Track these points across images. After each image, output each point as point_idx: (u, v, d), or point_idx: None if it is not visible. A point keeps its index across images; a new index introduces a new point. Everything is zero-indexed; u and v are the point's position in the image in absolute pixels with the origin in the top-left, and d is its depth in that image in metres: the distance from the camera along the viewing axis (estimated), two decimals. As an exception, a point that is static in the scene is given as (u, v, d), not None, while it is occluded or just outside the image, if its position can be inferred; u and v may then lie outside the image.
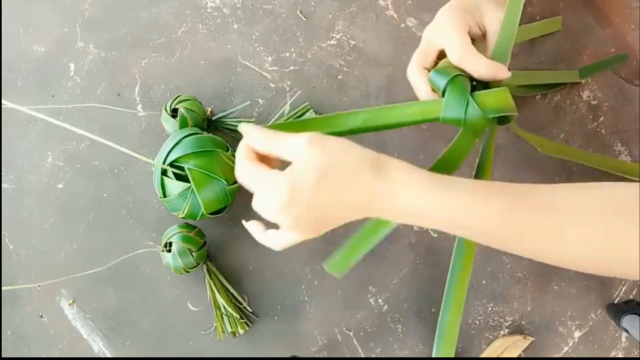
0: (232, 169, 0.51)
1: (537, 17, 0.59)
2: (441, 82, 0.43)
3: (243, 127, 0.39)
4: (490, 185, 0.36)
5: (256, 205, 0.37)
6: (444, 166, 0.43)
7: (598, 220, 0.33)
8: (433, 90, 0.44)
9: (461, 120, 0.42)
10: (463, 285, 0.48)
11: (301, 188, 0.34)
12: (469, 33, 0.44)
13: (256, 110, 0.58)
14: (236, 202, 0.55)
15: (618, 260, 0.33)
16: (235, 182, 0.51)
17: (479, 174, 0.47)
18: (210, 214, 0.51)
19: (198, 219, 0.51)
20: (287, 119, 0.56)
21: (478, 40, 0.46)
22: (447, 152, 0.43)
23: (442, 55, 0.45)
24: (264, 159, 0.38)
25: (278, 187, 0.34)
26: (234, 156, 0.53)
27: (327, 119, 0.43)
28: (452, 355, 0.49)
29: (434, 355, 0.50)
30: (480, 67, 0.42)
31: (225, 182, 0.50)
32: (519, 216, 0.34)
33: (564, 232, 0.33)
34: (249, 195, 0.56)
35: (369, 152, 0.36)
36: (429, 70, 0.45)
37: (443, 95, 0.43)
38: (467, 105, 0.42)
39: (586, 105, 0.57)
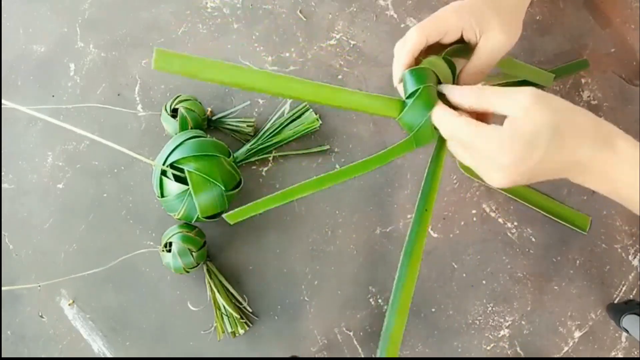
0: (232, 174, 0.51)
1: (537, 17, 0.59)
2: (410, 86, 0.41)
3: (448, 88, 0.38)
4: None
5: (468, 159, 0.37)
6: (375, 161, 0.45)
7: None
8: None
9: (412, 130, 0.42)
10: (409, 291, 0.48)
11: (534, 147, 0.33)
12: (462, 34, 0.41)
13: (256, 110, 0.58)
14: (236, 203, 0.55)
15: None
16: (234, 188, 0.51)
17: (426, 189, 0.47)
18: (205, 218, 0.51)
19: (193, 221, 0.51)
20: (287, 119, 0.56)
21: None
22: (385, 152, 0.45)
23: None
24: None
25: (509, 145, 0.33)
26: (234, 162, 0.53)
27: (294, 82, 0.43)
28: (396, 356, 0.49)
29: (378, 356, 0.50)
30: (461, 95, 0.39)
31: (223, 187, 0.50)
32: None
33: None
34: (248, 197, 0.56)
35: (593, 116, 0.35)
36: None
37: (407, 95, 0.42)
38: (425, 121, 0.41)
39: (586, 105, 0.57)
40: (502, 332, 0.53)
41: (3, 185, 0.58)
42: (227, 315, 0.52)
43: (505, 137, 0.34)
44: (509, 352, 0.53)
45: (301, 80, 0.44)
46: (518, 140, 0.33)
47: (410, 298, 0.47)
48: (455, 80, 0.42)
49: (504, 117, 0.35)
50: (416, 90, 0.41)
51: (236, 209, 0.48)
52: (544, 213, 0.54)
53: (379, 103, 0.43)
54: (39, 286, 0.55)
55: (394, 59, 0.42)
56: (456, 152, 0.39)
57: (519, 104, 0.34)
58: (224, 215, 0.48)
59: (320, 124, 0.57)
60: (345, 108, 0.44)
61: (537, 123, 0.33)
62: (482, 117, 0.38)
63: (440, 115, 0.38)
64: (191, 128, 0.54)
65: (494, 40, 0.40)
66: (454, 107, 0.39)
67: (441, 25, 0.40)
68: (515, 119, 0.34)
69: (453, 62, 0.44)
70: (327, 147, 0.56)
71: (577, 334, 0.52)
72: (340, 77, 0.58)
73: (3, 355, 0.55)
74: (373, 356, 0.53)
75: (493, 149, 0.34)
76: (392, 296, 0.48)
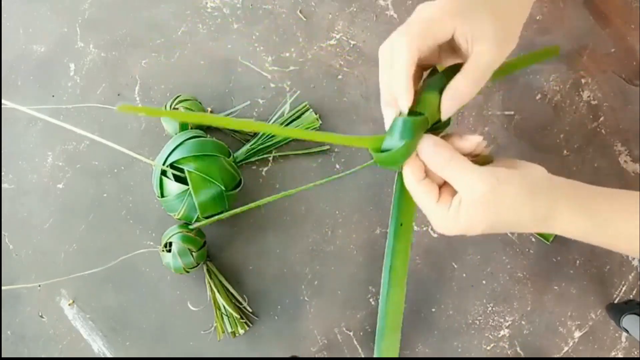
0: (232, 174, 0.51)
1: (537, 17, 0.59)
2: (396, 133, 0.37)
3: (424, 142, 0.38)
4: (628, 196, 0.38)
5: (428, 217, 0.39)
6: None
7: None
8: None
9: (383, 165, 0.41)
10: (397, 318, 0.49)
11: (470, 229, 0.36)
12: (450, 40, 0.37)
13: (256, 110, 0.58)
14: (236, 203, 0.55)
15: None
16: (234, 188, 0.51)
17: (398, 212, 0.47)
18: (205, 217, 0.51)
19: (193, 221, 0.51)
20: (287, 119, 0.56)
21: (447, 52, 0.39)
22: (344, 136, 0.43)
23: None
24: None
25: (449, 221, 0.37)
26: (234, 162, 0.53)
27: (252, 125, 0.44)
28: None
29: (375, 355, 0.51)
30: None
31: (223, 187, 0.50)
32: None
33: None
34: (248, 197, 0.56)
35: (542, 208, 0.36)
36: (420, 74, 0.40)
37: (389, 131, 0.39)
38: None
39: (586, 105, 0.57)
40: (502, 332, 0.53)
41: (3, 185, 0.58)
42: (227, 315, 0.52)
43: (449, 216, 0.36)
44: (509, 352, 0.52)
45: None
46: (456, 222, 0.36)
47: (399, 323, 0.49)
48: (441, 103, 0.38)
49: None
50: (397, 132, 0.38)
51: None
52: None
53: (354, 140, 0.43)
54: (39, 286, 0.55)
55: (383, 76, 0.38)
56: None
57: (472, 192, 0.35)
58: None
59: (320, 124, 0.57)
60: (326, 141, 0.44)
61: (476, 217, 0.36)
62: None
63: (407, 175, 0.39)
64: (191, 128, 0.54)
65: (487, 56, 0.36)
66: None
67: (435, 31, 0.36)
68: (463, 203, 0.36)
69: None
70: (327, 147, 0.56)
71: (577, 334, 0.52)
72: (340, 77, 0.58)
73: (3, 355, 0.55)
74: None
75: (438, 221, 0.37)
76: (378, 322, 0.49)
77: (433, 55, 0.39)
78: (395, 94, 0.37)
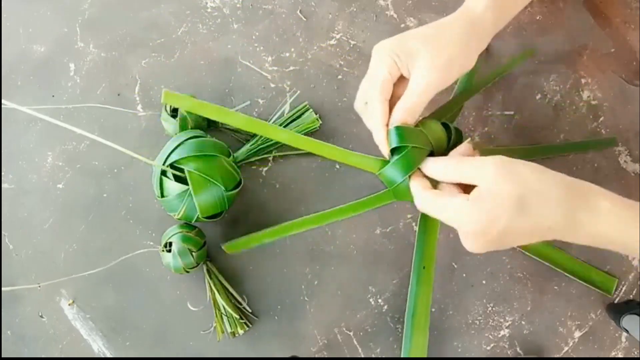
0: (232, 174, 0.51)
1: (537, 17, 0.59)
2: (393, 142, 0.42)
3: (426, 163, 0.39)
4: None
5: (448, 223, 0.37)
6: (355, 208, 0.51)
7: None
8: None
9: (391, 186, 0.44)
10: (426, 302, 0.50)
11: (497, 218, 0.33)
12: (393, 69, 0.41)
13: (256, 110, 0.58)
14: (236, 203, 0.55)
15: None
16: (234, 188, 0.51)
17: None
18: (206, 217, 0.51)
19: (193, 221, 0.51)
20: (287, 119, 0.56)
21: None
22: (364, 201, 0.51)
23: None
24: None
25: (470, 215, 0.34)
26: (234, 162, 0.53)
27: (257, 124, 0.49)
28: None
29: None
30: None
31: (223, 187, 0.50)
32: None
33: None
34: (248, 197, 0.56)
35: (564, 177, 0.35)
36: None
37: (391, 149, 0.43)
38: (404, 181, 0.43)
39: (586, 105, 0.57)
40: (502, 332, 0.53)
41: (3, 185, 0.58)
42: (226, 316, 0.52)
43: (469, 208, 0.34)
44: (509, 352, 0.52)
45: (276, 128, 0.50)
46: (480, 211, 0.34)
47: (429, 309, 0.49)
48: (391, 118, 0.42)
49: None
50: (398, 148, 0.42)
51: (235, 241, 0.53)
52: (568, 274, 0.52)
53: (359, 160, 0.47)
54: (39, 286, 0.55)
55: (369, 116, 0.43)
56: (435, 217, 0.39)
57: (484, 175, 0.34)
58: (222, 246, 0.53)
59: (320, 124, 0.57)
60: (328, 158, 0.49)
61: (500, 194, 0.33)
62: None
63: (412, 188, 0.40)
64: (191, 128, 0.54)
65: (422, 79, 0.40)
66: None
67: (390, 74, 0.41)
68: (480, 190, 0.34)
69: (452, 127, 0.45)
70: (327, 147, 0.56)
71: (577, 334, 0.52)
72: (340, 77, 0.58)
73: (3, 355, 0.55)
74: (373, 356, 0.53)
75: (459, 220, 0.35)
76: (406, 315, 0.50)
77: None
78: (377, 142, 0.42)
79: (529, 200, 0.33)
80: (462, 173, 0.36)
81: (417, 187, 0.39)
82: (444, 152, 0.43)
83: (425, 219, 0.49)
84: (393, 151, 0.43)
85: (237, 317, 0.52)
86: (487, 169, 0.34)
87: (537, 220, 0.33)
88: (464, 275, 0.54)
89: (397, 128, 0.41)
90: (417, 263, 0.49)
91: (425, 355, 0.50)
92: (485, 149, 0.50)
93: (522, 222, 0.33)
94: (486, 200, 0.34)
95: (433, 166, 0.39)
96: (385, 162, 0.44)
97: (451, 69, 0.41)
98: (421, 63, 0.40)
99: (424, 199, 0.38)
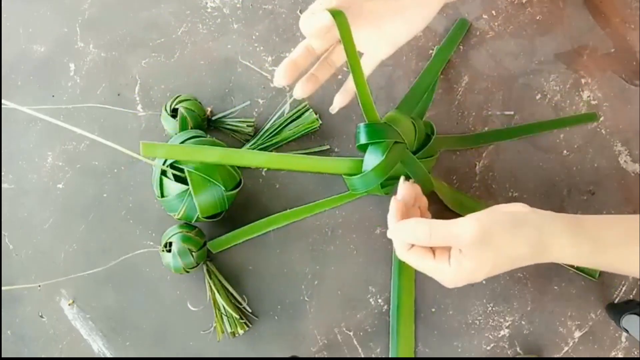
0: (232, 175, 0.51)
1: (537, 17, 0.59)
2: (362, 139, 0.46)
3: (405, 226, 0.41)
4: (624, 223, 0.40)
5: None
6: (318, 207, 0.54)
7: None
8: None
9: (355, 191, 0.49)
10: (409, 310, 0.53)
11: (474, 278, 0.39)
12: None
13: (256, 110, 0.58)
14: (236, 203, 0.55)
15: None
16: (233, 188, 0.51)
17: None
18: (206, 218, 0.51)
19: (193, 221, 0.51)
20: (287, 119, 0.56)
21: None
22: (326, 201, 0.54)
23: None
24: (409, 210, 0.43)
25: (452, 277, 0.39)
26: None
27: (232, 155, 0.48)
28: None
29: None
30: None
31: (223, 187, 0.50)
32: None
33: None
34: (248, 197, 0.56)
35: (533, 236, 0.38)
36: None
37: (358, 146, 0.47)
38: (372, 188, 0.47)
39: (586, 105, 0.57)
40: (502, 332, 0.53)
41: (3, 185, 0.58)
42: (226, 316, 0.52)
43: (451, 273, 0.39)
44: (509, 352, 0.52)
45: (253, 153, 0.50)
46: (460, 274, 0.39)
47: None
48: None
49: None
50: (368, 144, 0.46)
51: (219, 239, 0.54)
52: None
53: (328, 164, 0.49)
54: (39, 286, 0.55)
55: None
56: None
57: (463, 240, 0.38)
58: (207, 245, 0.53)
59: (320, 124, 0.57)
60: (298, 171, 0.53)
61: (477, 260, 0.38)
62: None
63: (396, 246, 0.42)
64: (191, 128, 0.54)
65: (374, 49, 0.46)
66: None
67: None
68: (460, 254, 0.38)
69: (421, 122, 0.49)
70: (327, 147, 0.56)
71: (577, 334, 0.52)
72: (340, 77, 0.58)
73: (3, 355, 0.55)
74: (373, 356, 0.53)
75: (444, 276, 0.40)
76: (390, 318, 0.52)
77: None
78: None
79: (501, 263, 0.39)
80: (443, 238, 0.39)
81: (403, 250, 0.41)
82: (413, 146, 0.47)
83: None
84: (363, 147, 0.47)
85: (237, 317, 0.52)
86: (465, 236, 0.38)
87: (507, 270, 0.39)
88: (464, 275, 0.54)
89: (366, 125, 0.46)
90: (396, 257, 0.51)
91: (413, 348, 0.51)
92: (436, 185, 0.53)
93: (495, 273, 0.39)
94: (465, 266, 0.38)
95: (414, 231, 0.40)
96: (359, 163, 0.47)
97: (402, 33, 0.45)
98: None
99: (408, 259, 0.41)
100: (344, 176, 0.49)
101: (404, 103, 0.55)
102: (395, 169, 0.47)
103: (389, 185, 0.49)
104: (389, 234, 0.41)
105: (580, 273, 0.53)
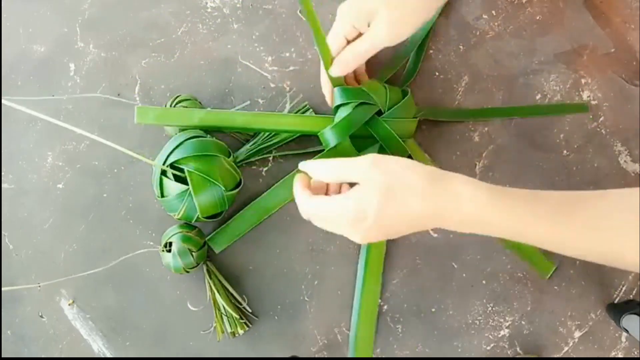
0: (232, 174, 0.51)
1: (537, 17, 0.59)
2: (337, 100, 0.51)
3: (307, 166, 0.43)
4: (537, 195, 0.39)
5: (328, 226, 0.41)
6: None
7: None
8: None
9: (334, 146, 0.51)
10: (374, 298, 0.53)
11: (366, 205, 0.37)
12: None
13: (256, 110, 0.58)
14: (236, 203, 0.55)
15: None
16: (233, 188, 0.51)
17: None
18: (206, 218, 0.51)
19: (193, 221, 0.51)
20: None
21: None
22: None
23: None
24: (316, 191, 0.43)
25: (345, 208, 0.38)
26: (234, 162, 0.53)
27: (213, 115, 0.52)
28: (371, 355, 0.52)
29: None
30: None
31: (223, 187, 0.50)
32: (569, 226, 0.37)
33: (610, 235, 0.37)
34: (248, 197, 0.56)
35: (430, 168, 0.39)
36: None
37: (334, 107, 0.51)
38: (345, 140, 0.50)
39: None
40: (502, 332, 0.53)
41: (3, 185, 0.58)
42: (226, 316, 0.52)
43: (346, 200, 0.38)
44: (509, 352, 0.53)
45: (240, 113, 0.54)
46: (355, 200, 0.38)
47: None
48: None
49: None
50: (343, 105, 0.51)
51: (218, 234, 0.54)
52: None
53: (300, 122, 0.53)
54: (39, 286, 0.55)
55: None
56: (319, 224, 0.42)
57: (360, 170, 0.39)
58: (209, 243, 0.54)
59: (320, 124, 0.57)
60: (274, 132, 0.54)
61: (371, 183, 0.38)
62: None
63: (296, 195, 0.43)
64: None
65: (375, 31, 0.46)
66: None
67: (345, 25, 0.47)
68: (358, 185, 0.38)
69: (405, 90, 0.52)
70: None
71: (577, 334, 0.52)
72: (340, 77, 0.58)
73: (3, 355, 0.55)
74: (373, 356, 0.53)
75: (340, 216, 0.39)
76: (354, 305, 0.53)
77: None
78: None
79: (395, 190, 0.37)
80: (342, 171, 0.40)
81: (301, 194, 0.42)
82: (385, 107, 0.50)
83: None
84: (337, 109, 0.51)
85: (237, 317, 0.52)
86: (362, 165, 0.39)
87: (404, 207, 0.37)
88: (464, 275, 0.54)
89: (341, 88, 0.50)
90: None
91: (372, 349, 0.52)
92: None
93: (390, 208, 0.37)
94: (359, 190, 0.38)
95: (314, 170, 0.42)
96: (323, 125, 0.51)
97: (407, 23, 0.46)
98: (378, 20, 0.45)
99: (307, 203, 0.41)
100: (319, 134, 0.52)
101: (382, 71, 0.57)
102: (366, 130, 0.51)
103: (364, 149, 0.53)
104: (295, 191, 0.43)
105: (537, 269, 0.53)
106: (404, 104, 0.51)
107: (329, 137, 0.51)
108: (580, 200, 0.38)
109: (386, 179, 0.37)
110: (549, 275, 0.53)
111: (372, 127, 0.51)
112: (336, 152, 0.50)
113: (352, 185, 0.40)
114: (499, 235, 0.39)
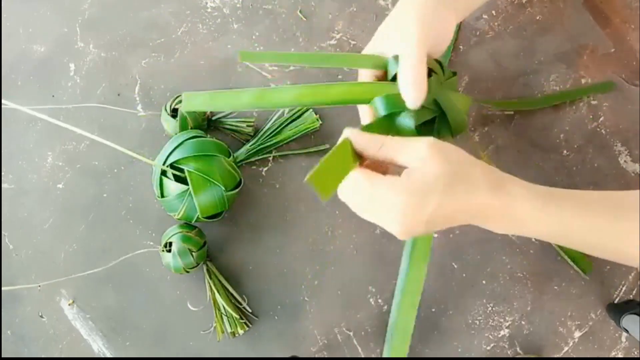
0: (232, 175, 0.51)
1: (537, 17, 0.59)
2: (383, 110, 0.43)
3: (358, 137, 0.37)
4: (590, 196, 0.38)
5: (373, 210, 0.36)
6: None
7: None
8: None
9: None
10: (417, 286, 0.46)
11: (427, 196, 0.34)
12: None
13: (256, 110, 0.58)
14: (236, 203, 0.55)
15: None
16: (233, 188, 0.51)
17: None
18: (206, 218, 0.51)
19: (193, 221, 0.51)
20: (287, 119, 0.56)
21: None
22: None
23: None
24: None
25: (401, 194, 0.34)
26: (234, 162, 0.53)
27: (259, 96, 0.43)
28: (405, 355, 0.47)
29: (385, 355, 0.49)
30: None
31: (223, 187, 0.50)
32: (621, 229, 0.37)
33: None
34: (248, 197, 0.56)
35: (484, 164, 0.37)
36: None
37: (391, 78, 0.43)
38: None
39: (586, 105, 0.57)
40: (502, 332, 0.53)
41: (3, 185, 0.58)
42: (226, 316, 0.52)
43: (402, 188, 0.34)
44: (509, 352, 0.53)
45: (287, 89, 0.44)
46: (413, 191, 0.34)
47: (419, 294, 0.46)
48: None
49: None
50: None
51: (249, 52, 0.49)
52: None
53: (367, 88, 0.44)
54: (39, 286, 0.55)
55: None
56: (356, 208, 0.38)
57: (417, 155, 0.35)
58: (238, 56, 0.43)
59: (320, 124, 0.57)
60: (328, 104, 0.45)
61: (432, 174, 0.34)
62: (380, 168, 0.38)
63: (357, 170, 0.38)
64: (191, 128, 0.54)
65: (410, 53, 0.41)
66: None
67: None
68: (413, 169, 0.35)
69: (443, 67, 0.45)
70: (327, 147, 0.56)
71: (577, 334, 0.52)
72: (340, 77, 0.58)
73: (3, 355, 0.55)
74: (373, 356, 0.53)
75: (390, 200, 0.34)
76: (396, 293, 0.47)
77: None
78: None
79: (454, 181, 0.34)
80: (396, 151, 0.36)
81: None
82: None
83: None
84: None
85: (237, 317, 0.52)
86: (420, 148, 0.35)
87: (462, 202, 0.35)
88: (464, 275, 0.54)
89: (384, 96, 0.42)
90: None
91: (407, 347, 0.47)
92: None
93: (448, 202, 0.34)
94: (418, 179, 0.34)
95: (363, 142, 0.37)
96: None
97: (432, 42, 0.42)
98: (403, 50, 0.41)
99: (365, 175, 0.36)
100: (371, 102, 0.44)
101: None
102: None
103: (422, 131, 0.45)
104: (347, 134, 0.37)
105: (574, 266, 0.53)
106: (454, 80, 0.47)
107: (388, 104, 0.43)
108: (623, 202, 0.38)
109: (450, 168, 0.34)
110: (590, 272, 0.52)
111: (438, 95, 0.43)
112: (386, 123, 0.43)
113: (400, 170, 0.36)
114: (543, 238, 0.38)
